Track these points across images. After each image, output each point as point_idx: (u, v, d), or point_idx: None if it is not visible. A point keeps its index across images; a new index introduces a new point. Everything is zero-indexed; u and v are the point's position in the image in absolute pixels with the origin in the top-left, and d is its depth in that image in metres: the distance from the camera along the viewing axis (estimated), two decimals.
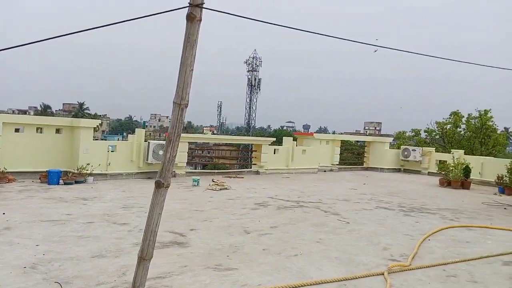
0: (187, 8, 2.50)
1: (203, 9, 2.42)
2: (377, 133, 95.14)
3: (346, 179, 15.23)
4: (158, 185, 2.66)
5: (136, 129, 12.94)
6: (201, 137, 20.53)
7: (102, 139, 40.40)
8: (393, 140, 33.95)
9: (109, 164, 11.53)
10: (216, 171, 14.23)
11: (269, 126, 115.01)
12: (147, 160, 12.02)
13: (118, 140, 41.08)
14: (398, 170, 19.17)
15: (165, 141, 12.10)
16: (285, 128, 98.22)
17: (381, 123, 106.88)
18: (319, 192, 11.46)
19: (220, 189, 10.74)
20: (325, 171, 17.49)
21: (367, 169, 19.34)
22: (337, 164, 18.33)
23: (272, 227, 7.16)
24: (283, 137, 16.96)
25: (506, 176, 13.48)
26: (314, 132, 25.99)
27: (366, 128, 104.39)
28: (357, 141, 24.96)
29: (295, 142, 16.73)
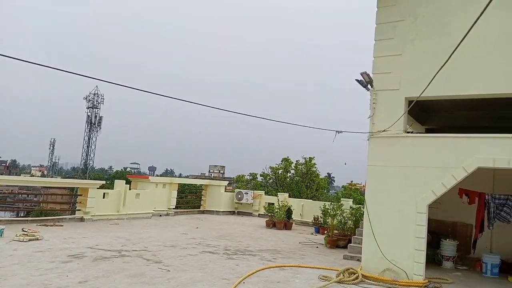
0: None
1: None
2: (221, 176, 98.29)
3: (180, 223, 15.03)
4: None
5: None
6: (6, 179, 17.57)
7: None
8: (234, 182, 35.49)
9: None
10: (30, 218, 12.43)
11: (110, 167, 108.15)
12: None
13: None
14: (233, 213, 19.89)
15: None
16: (129, 169, 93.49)
17: (224, 166, 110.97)
18: (147, 239, 10.98)
19: (29, 240, 9.36)
20: (160, 215, 17.01)
21: (203, 212, 19.54)
22: (173, 208, 18.07)
23: (81, 282, 6.45)
24: (115, 180, 16.00)
25: (320, 217, 15.14)
26: (159, 175, 25.38)
27: (211, 171, 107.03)
28: (201, 184, 25.25)
29: (129, 185, 15.95)
